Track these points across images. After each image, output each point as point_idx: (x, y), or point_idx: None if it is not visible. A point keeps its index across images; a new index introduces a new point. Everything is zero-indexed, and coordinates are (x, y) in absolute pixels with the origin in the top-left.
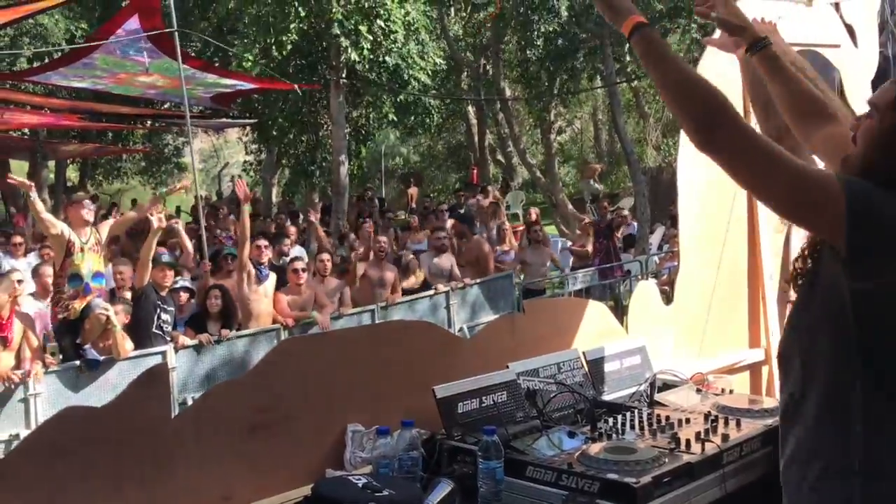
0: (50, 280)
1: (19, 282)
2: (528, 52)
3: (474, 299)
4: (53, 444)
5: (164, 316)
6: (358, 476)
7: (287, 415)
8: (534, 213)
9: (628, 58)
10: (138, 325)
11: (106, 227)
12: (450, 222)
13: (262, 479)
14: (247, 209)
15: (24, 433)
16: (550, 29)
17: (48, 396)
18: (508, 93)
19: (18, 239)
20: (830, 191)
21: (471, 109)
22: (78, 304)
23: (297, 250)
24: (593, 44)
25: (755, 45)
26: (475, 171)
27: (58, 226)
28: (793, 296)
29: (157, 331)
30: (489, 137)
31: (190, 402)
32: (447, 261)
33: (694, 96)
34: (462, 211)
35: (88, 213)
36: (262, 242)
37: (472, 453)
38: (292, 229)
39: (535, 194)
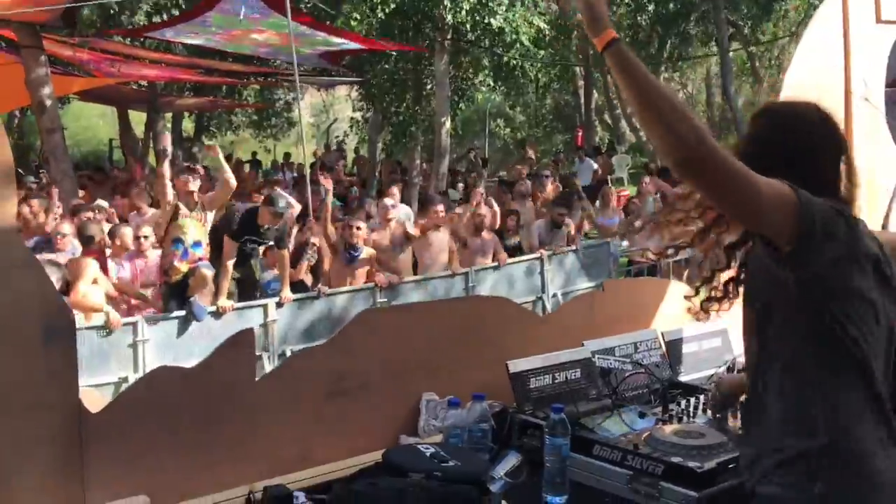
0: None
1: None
2: (638, 17)
3: (570, 266)
4: (145, 401)
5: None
6: (427, 445)
7: (364, 382)
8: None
9: (743, 22)
10: (243, 282)
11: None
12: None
13: (338, 442)
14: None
15: (132, 377)
16: None
17: (155, 343)
18: None
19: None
20: (786, 194)
21: (578, 70)
22: (182, 268)
23: (404, 210)
24: (706, 8)
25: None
26: (580, 134)
27: (170, 194)
28: None
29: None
30: (596, 99)
31: (289, 354)
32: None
33: (684, 118)
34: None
35: (194, 184)
36: (357, 223)
37: (541, 428)
38: (395, 189)
39: (643, 158)
